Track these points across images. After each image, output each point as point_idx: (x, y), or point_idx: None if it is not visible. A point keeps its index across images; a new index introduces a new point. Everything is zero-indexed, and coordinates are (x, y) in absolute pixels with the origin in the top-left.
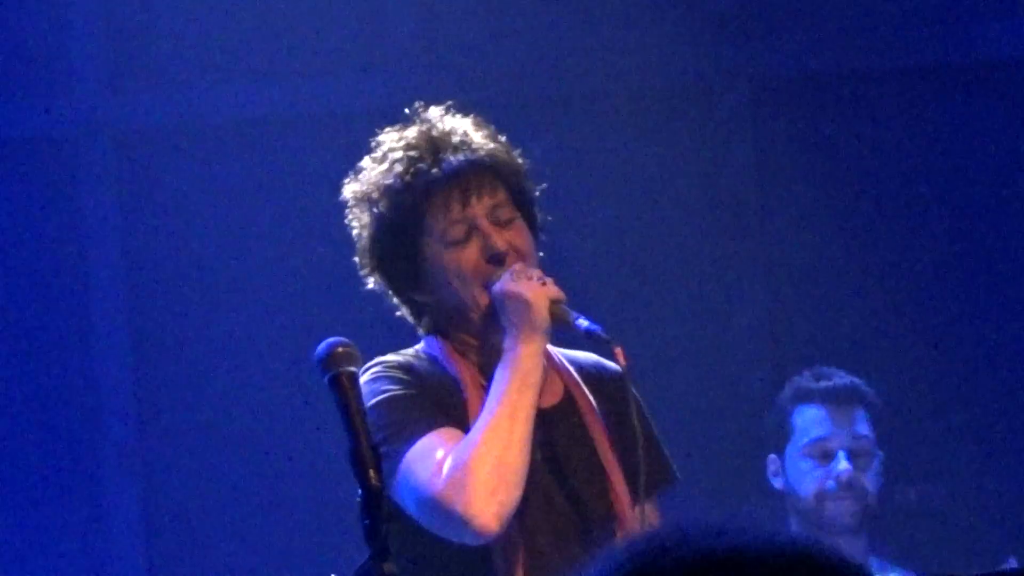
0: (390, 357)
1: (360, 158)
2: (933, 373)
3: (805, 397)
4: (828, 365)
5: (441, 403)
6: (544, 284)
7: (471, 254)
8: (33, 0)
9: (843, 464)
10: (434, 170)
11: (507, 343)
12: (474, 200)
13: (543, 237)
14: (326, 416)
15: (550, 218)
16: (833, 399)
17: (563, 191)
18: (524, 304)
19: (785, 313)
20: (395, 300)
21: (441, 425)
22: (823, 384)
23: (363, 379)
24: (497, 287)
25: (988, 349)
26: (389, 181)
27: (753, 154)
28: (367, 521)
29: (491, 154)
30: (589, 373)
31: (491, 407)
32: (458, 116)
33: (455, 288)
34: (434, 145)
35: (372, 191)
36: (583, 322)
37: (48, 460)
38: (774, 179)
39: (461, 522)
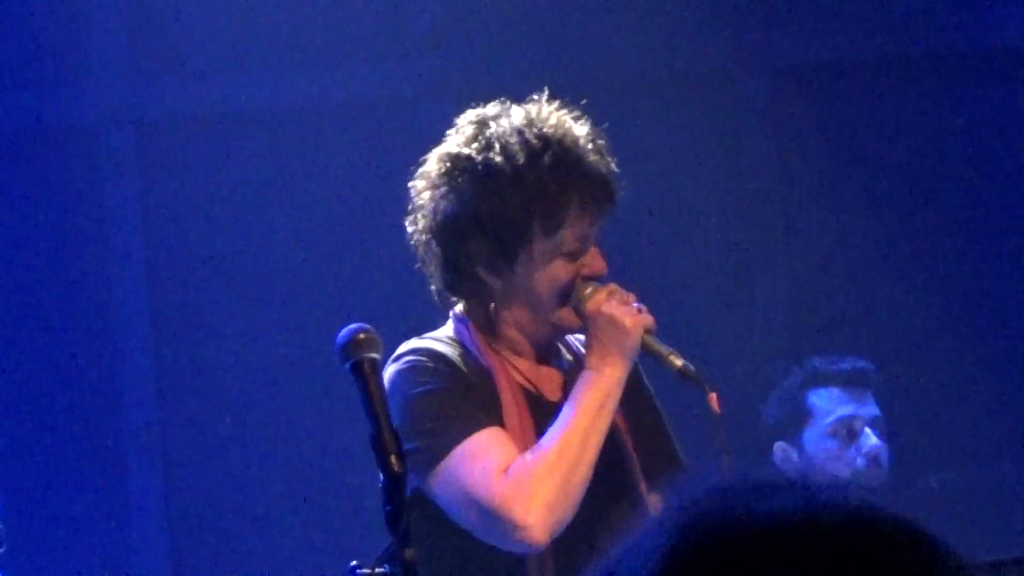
0: (422, 344)
1: (381, 146)
2: (953, 359)
3: (822, 380)
4: (848, 351)
5: (477, 396)
6: (640, 311)
7: (571, 268)
8: None
9: (873, 439)
10: (581, 169)
11: (592, 361)
12: (600, 215)
13: None
14: (347, 401)
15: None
16: (849, 381)
17: None
18: (621, 329)
19: (805, 299)
20: (444, 269)
21: (486, 425)
22: (838, 367)
23: (396, 367)
24: (594, 306)
25: (1008, 335)
26: (523, 162)
27: (773, 141)
28: (389, 507)
29: (613, 170)
30: None
31: (568, 421)
32: (559, 110)
33: (541, 293)
34: (575, 144)
35: (502, 163)
36: (677, 360)
37: (70, 445)
38: (794, 166)
39: (513, 529)
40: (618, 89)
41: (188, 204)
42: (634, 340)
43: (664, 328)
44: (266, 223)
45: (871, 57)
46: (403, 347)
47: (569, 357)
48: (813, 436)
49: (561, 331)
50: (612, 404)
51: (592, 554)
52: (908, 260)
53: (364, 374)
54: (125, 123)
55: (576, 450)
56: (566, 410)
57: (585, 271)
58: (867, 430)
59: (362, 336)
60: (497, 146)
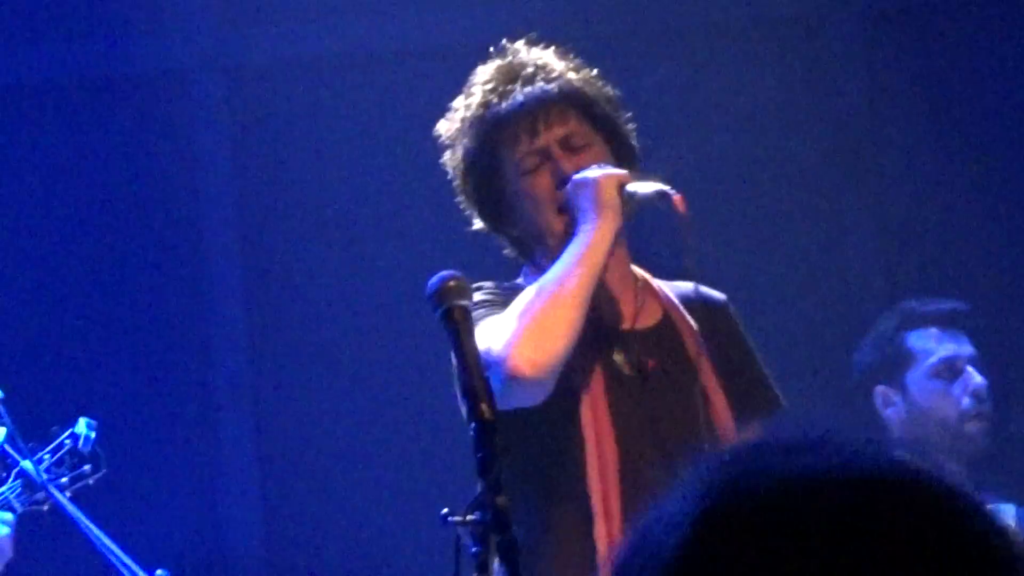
0: (479, 283)
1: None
2: None
3: (919, 321)
4: (942, 295)
5: None
6: (608, 169)
7: (543, 180)
8: None
9: (977, 377)
10: (504, 103)
11: (579, 226)
12: (542, 130)
13: (639, 165)
14: (439, 347)
15: (665, 147)
16: (945, 321)
17: (674, 124)
18: (590, 185)
19: (899, 245)
20: (496, 237)
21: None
22: (936, 307)
23: None
24: (568, 188)
25: None
26: (468, 116)
27: (865, 85)
28: (480, 454)
29: (563, 83)
30: (692, 300)
31: (550, 271)
32: (540, 48)
33: (532, 215)
34: (508, 77)
35: (456, 128)
36: (645, 188)
37: (162, 394)
38: (886, 110)
39: (499, 366)
40: (707, 35)
41: (280, 150)
42: (607, 191)
43: (757, 272)
44: (358, 168)
45: None
46: None
47: (642, 287)
48: (916, 377)
49: (565, 243)
50: (598, 252)
51: (661, 486)
52: (1003, 204)
53: (455, 321)
54: (217, 70)
55: (553, 288)
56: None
57: (557, 178)
58: (970, 369)
59: (452, 283)
60: (453, 114)
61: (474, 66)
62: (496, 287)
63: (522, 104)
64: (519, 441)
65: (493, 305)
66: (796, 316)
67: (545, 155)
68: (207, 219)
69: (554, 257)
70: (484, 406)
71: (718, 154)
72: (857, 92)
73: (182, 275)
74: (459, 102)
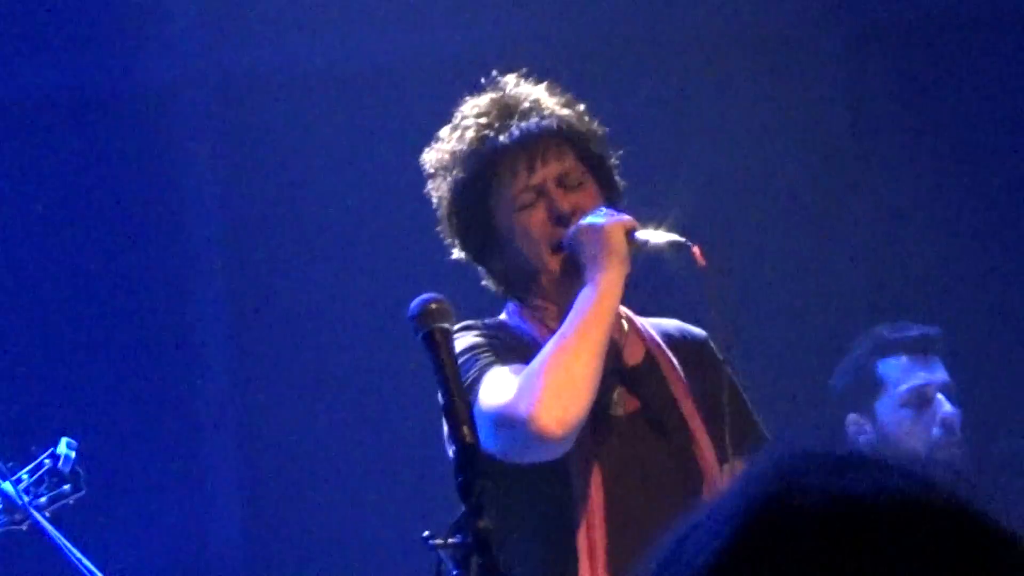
0: (466, 322)
1: (459, 106)
2: None
3: (889, 349)
4: (924, 315)
5: (515, 355)
6: (615, 215)
7: (538, 216)
8: None
9: (947, 406)
10: (501, 136)
11: (587, 275)
12: (540, 166)
13: (622, 202)
14: (421, 366)
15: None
16: (916, 348)
17: (659, 138)
18: (599, 233)
19: (881, 263)
20: (477, 267)
21: (510, 363)
22: (905, 334)
23: None
24: (570, 231)
25: None
26: (460, 148)
27: (849, 101)
28: (461, 477)
29: (560, 120)
30: (673, 337)
31: (565, 325)
32: (531, 83)
33: (524, 251)
34: (503, 112)
35: (446, 159)
36: (658, 237)
37: (145, 414)
38: (870, 126)
39: (524, 425)
40: (692, 50)
41: (266, 164)
42: (616, 237)
43: (739, 291)
44: (344, 183)
45: (948, 16)
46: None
47: (625, 326)
48: (886, 406)
49: (560, 284)
50: (610, 303)
51: (652, 523)
52: (985, 223)
53: (436, 344)
54: (203, 85)
55: (574, 345)
56: (567, 318)
57: (553, 215)
58: (940, 397)
59: (434, 306)
60: (441, 144)
61: (460, 82)
62: (485, 328)
63: (521, 139)
64: (505, 480)
65: (488, 352)
66: (777, 338)
67: (540, 192)
68: (193, 234)
69: (546, 295)
70: (465, 429)
71: (700, 170)
72: (841, 109)
73: (167, 292)
74: (447, 133)
